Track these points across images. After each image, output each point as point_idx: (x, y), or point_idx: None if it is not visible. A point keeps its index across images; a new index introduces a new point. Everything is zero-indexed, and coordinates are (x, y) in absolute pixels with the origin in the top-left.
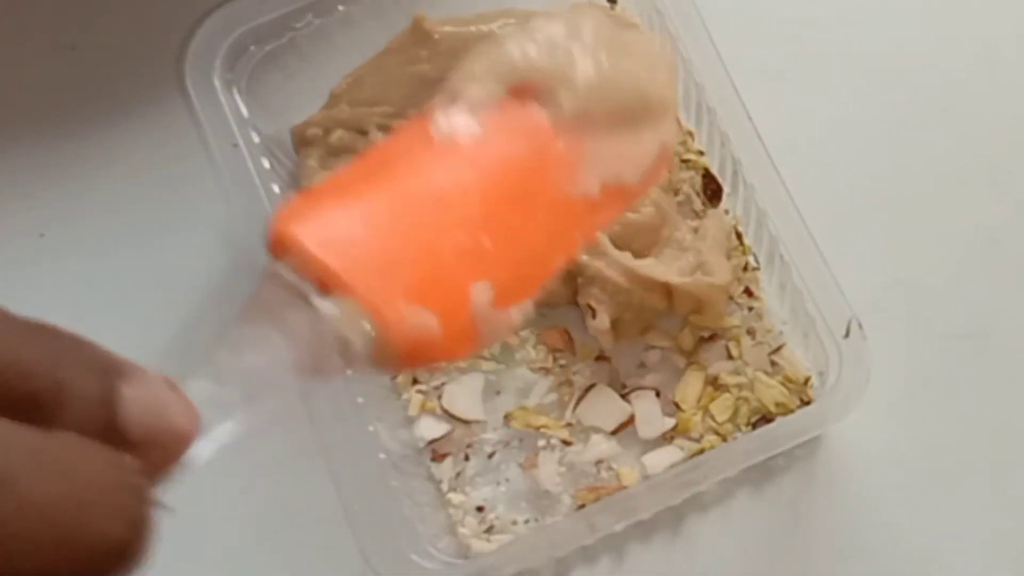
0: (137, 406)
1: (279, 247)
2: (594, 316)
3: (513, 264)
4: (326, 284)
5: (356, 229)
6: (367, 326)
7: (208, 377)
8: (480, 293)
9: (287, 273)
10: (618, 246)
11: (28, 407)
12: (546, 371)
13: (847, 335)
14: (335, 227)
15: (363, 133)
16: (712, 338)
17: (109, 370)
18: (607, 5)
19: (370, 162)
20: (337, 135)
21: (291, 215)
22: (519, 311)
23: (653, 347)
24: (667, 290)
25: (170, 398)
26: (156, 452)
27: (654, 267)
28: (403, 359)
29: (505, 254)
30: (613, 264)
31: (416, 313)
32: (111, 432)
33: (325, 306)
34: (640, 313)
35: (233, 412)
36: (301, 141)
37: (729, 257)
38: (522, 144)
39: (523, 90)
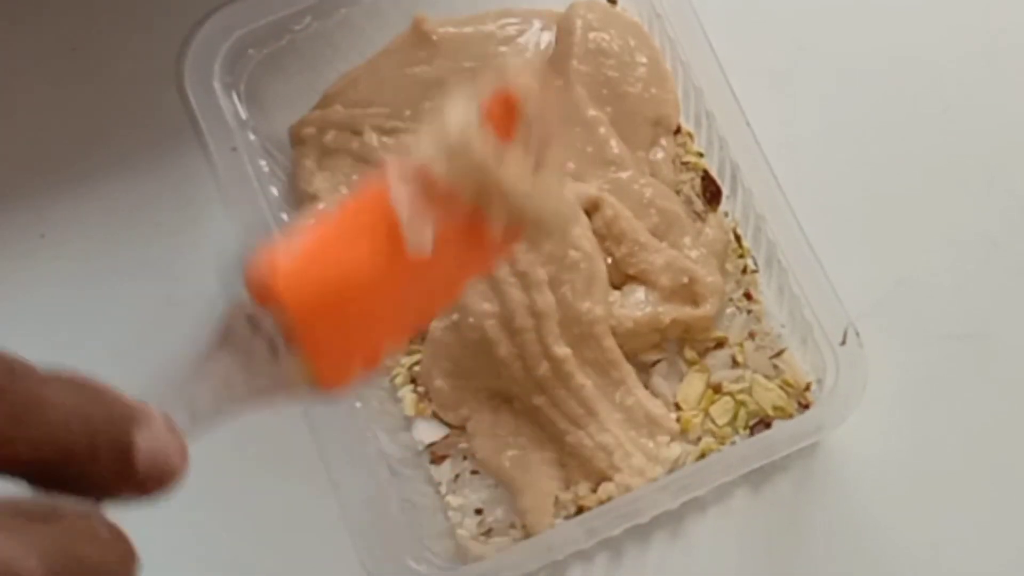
0: (147, 453)
1: (260, 292)
2: None
3: (412, 326)
4: (291, 335)
5: (328, 294)
6: (313, 379)
7: (186, 411)
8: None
9: (265, 320)
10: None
11: (62, 463)
12: None
13: (844, 342)
14: (311, 288)
15: (357, 133)
16: (718, 346)
17: (125, 422)
18: (607, 5)
19: (343, 223)
20: (331, 135)
21: (275, 267)
22: None
23: (656, 352)
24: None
25: (170, 442)
26: (153, 486)
27: (630, 314)
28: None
29: (413, 321)
30: None
31: (352, 372)
32: (124, 474)
33: (289, 358)
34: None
35: (198, 439)
36: (297, 140)
37: (724, 263)
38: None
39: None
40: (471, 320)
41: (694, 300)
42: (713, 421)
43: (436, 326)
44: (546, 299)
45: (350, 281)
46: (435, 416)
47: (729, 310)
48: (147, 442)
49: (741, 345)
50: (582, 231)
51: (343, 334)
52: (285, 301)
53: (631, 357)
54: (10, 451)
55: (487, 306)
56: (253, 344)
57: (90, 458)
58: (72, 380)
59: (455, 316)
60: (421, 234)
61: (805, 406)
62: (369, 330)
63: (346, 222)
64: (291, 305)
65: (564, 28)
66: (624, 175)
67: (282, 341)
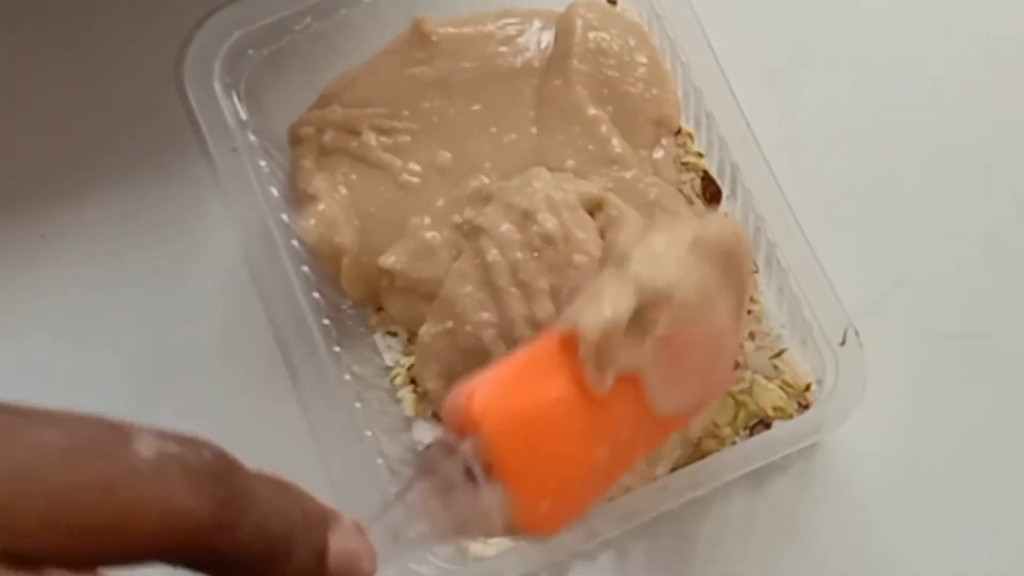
0: (340, 557)
1: (459, 421)
2: None
3: (602, 483)
4: (492, 468)
5: (523, 424)
6: (511, 515)
7: (386, 528)
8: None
9: (468, 453)
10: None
11: (263, 557)
12: None
13: (843, 343)
14: (507, 417)
15: (355, 133)
16: None
17: (321, 523)
18: (607, 5)
19: (540, 363)
20: (330, 135)
21: (480, 400)
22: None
23: None
24: None
25: (361, 546)
26: None
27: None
28: (523, 537)
29: (603, 477)
30: None
31: (551, 513)
32: (315, 574)
33: (489, 494)
34: None
35: (392, 562)
36: (295, 140)
37: None
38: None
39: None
40: (468, 328)
41: None
42: (713, 422)
43: (427, 331)
44: (547, 310)
45: (541, 414)
46: (435, 416)
47: None
48: (339, 544)
49: (741, 346)
50: (588, 235)
51: (538, 470)
52: (484, 426)
53: None
54: (228, 538)
55: (485, 315)
56: (453, 475)
57: (286, 555)
58: (272, 478)
59: (450, 323)
60: (603, 377)
61: (805, 406)
62: (565, 474)
63: (533, 364)
64: (489, 430)
65: (564, 28)
66: (628, 174)
67: (480, 470)
